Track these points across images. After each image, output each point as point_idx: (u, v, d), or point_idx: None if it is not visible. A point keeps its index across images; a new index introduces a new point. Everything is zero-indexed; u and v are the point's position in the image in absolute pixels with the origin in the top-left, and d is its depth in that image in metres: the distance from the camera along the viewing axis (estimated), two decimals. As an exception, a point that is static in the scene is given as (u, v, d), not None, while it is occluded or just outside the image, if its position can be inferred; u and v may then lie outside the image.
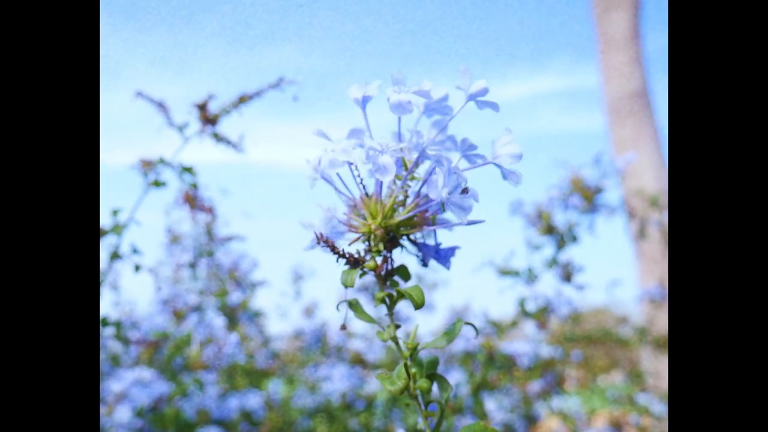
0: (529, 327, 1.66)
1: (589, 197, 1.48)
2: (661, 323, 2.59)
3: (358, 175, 0.59)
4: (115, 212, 1.12)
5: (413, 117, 0.60)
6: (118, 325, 1.10)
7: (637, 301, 2.80)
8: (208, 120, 1.10)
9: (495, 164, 0.58)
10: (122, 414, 1.20)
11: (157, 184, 1.13)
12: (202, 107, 1.10)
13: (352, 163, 0.58)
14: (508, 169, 0.58)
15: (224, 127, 1.13)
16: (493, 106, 0.59)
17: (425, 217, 0.58)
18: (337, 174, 0.59)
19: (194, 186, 1.14)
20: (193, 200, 1.13)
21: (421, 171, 0.59)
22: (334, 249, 0.55)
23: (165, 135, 1.13)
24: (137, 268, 1.15)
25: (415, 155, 0.55)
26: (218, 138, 1.12)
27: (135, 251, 1.15)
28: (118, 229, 1.11)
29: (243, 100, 1.10)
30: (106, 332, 1.10)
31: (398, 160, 0.58)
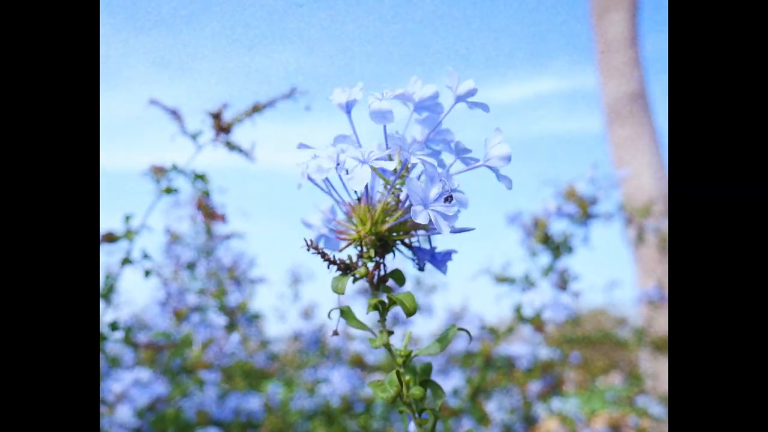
0: (527, 329, 1.66)
1: (584, 207, 1.49)
2: (659, 325, 2.59)
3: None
4: (127, 218, 1.14)
5: (406, 116, 0.59)
6: (128, 329, 1.11)
7: (636, 302, 2.80)
8: (222, 128, 1.11)
9: (487, 166, 0.57)
10: (122, 414, 1.20)
11: (169, 191, 1.14)
12: (216, 116, 1.11)
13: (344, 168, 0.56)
14: (499, 172, 0.56)
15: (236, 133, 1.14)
16: (483, 107, 0.58)
17: (416, 222, 0.57)
18: (327, 179, 0.57)
19: (206, 193, 1.15)
20: (206, 208, 1.14)
21: (415, 175, 0.57)
22: (324, 256, 0.55)
23: (164, 136, 1.13)
24: (147, 273, 1.16)
25: (404, 158, 0.54)
26: (231, 146, 1.13)
27: (146, 256, 1.16)
28: (130, 234, 1.13)
29: (256, 109, 1.11)
30: (115, 335, 1.10)
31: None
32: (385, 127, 0.56)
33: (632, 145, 5.12)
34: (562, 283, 1.52)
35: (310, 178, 0.56)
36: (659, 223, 2.20)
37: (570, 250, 1.51)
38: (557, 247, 1.51)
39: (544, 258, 1.53)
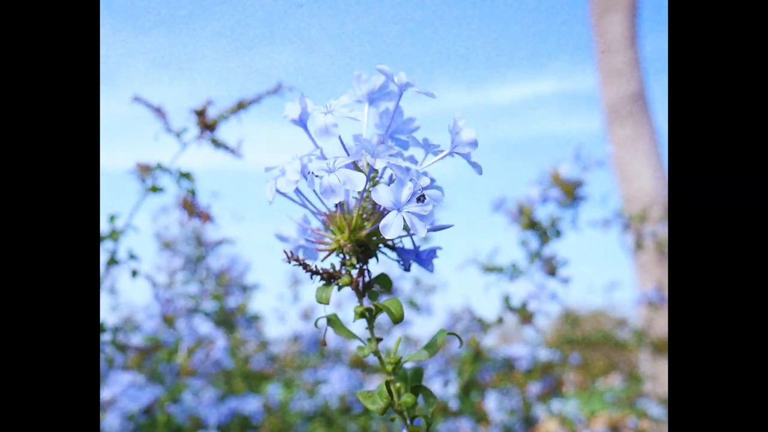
0: (528, 330, 1.65)
1: (569, 191, 1.46)
2: (659, 326, 2.59)
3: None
4: (112, 218, 1.11)
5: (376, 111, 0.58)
6: (115, 330, 1.09)
7: (635, 303, 2.80)
8: (207, 126, 1.09)
9: (456, 153, 0.56)
10: (113, 419, 1.19)
11: (155, 189, 1.12)
12: (200, 113, 1.09)
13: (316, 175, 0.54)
14: (468, 159, 0.56)
15: (223, 131, 1.13)
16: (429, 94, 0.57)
17: (387, 237, 0.53)
18: (298, 190, 0.56)
19: (192, 192, 1.13)
20: (191, 206, 1.11)
21: (386, 175, 0.56)
22: (306, 267, 0.54)
23: (164, 139, 1.12)
24: (134, 273, 1.14)
25: (371, 162, 0.52)
26: (216, 144, 1.12)
27: (132, 257, 1.14)
28: (115, 234, 1.10)
29: (242, 105, 1.09)
30: (103, 338, 1.09)
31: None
32: (339, 136, 0.55)
33: (632, 145, 5.12)
34: (551, 269, 1.49)
35: (279, 192, 0.54)
36: (657, 228, 2.20)
37: (558, 234, 1.49)
38: (545, 232, 1.49)
39: (534, 244, 1.51)
